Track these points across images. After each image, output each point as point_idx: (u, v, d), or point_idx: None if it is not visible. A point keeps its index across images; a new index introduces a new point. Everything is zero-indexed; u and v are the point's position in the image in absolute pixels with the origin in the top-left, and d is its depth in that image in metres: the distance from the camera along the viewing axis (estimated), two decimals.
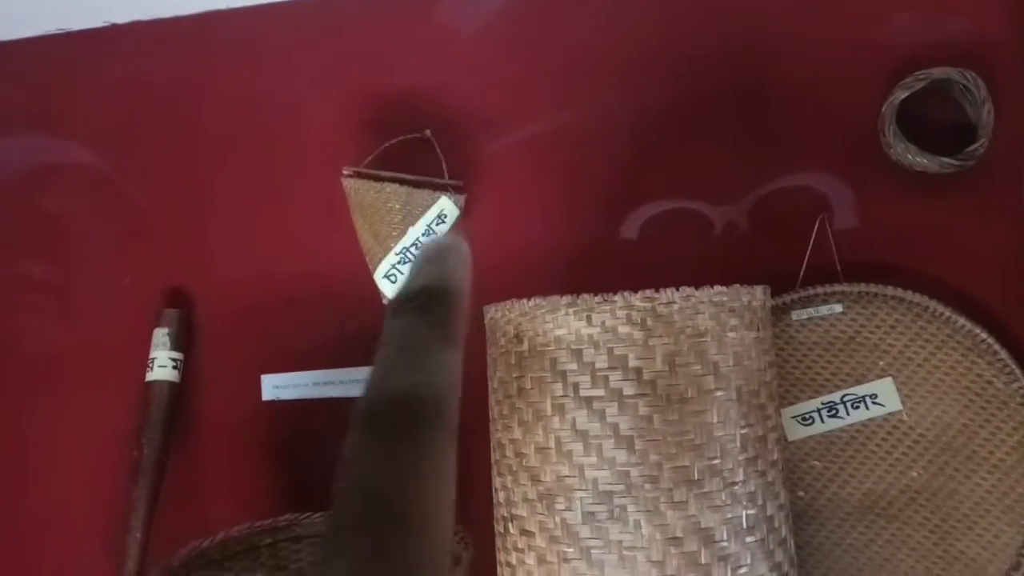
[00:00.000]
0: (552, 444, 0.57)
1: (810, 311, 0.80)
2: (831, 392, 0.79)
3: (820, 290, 0.79)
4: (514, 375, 0.60)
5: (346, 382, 0.89)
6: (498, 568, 0.63)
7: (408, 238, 0.79)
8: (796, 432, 0.78)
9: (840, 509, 0.78)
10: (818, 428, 0.79)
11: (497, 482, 0.63)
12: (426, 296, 0.21)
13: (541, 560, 0.58)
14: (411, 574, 0.16)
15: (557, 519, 0.57)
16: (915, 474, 0.77)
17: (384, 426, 0.18)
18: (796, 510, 0.74)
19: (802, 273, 0.79)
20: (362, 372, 0.89)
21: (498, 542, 0.63)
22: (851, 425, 0.78)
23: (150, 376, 0.87)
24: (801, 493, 0.77)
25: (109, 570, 0.83)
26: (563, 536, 0.57)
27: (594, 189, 0.85)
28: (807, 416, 0.79)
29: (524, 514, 0.59)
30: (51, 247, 0.95)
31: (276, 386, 0.90)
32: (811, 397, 0.79)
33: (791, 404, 0.78)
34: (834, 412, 0.79)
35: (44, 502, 0.95)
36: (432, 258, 0.22)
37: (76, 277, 0.95)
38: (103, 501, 0.89)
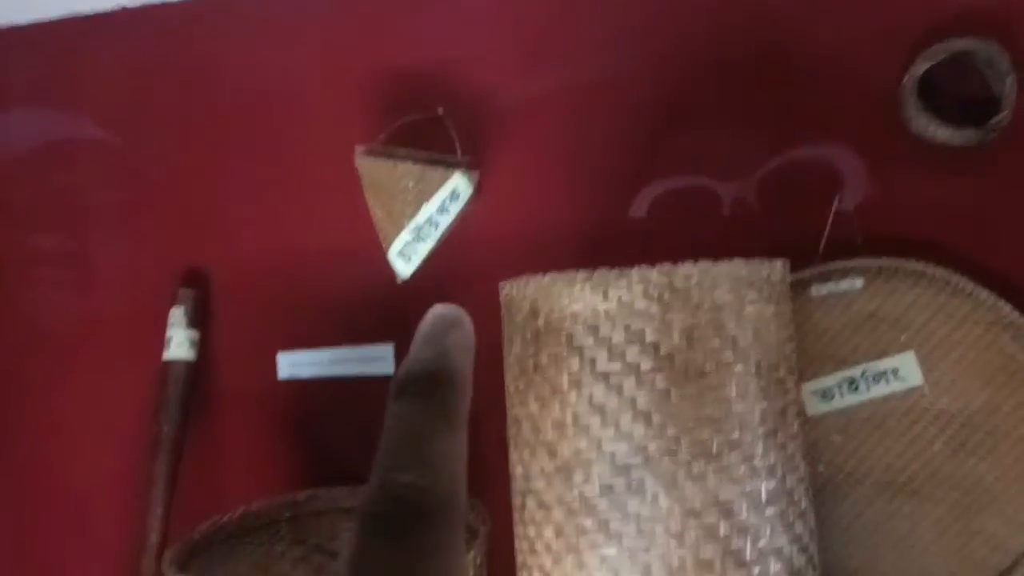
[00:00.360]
0: (569, 419, 0.57)
1: (829, 286, 0.79)
2: (851, 367, 0.78)
3: (839, 265, 0.78)
4: (530, 351, 0.60)
5: (362, 360, 0.89)
6: (516, 541, 0.63)
7: (422, 216, 0.79)
8: (816, 407, 0.78)
9: (860, 484, 0.77)
10: (838, 403, 0.78)
11: (514, 457, 0.63)
12: (426, 380, 0.20)
13: (559, 533, 0.58)
14: None
15: (575, 493, 0.57)
16: (936, 449, 0.76)
17: (388, 527, 0.17)
18: (816, 485, 0.74)
19: (822, 247, 0.79)
20: (378, 350, 0.89)
21: (516, 516, 0.63)
22: (871, 400, 0.78)
23: (167, 355, 0.87)
24: (821, 468, 0.77)
25: (130, 545, 0.84)
26: (581, 509, 0.57)
27: (604, 165, 0.84)
28: (827, 391, 0.78)
29: (541, 488, 0.59)
30: (67, 226, 0.95)
31: (292, 364, 0.91)
32: (831, 372, 0.78)
33: (811, 379, 0.78)
34: (855, 387, 0.78)
35: (64, 478, 0.96)
36: (431, 336, 0.22)
37: (92, 257, 0.95)
38: (123, 478, 0.90)
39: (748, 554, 0.55)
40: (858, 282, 0.79)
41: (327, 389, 0.90)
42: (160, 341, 0.88)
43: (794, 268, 0.76)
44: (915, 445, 0.77)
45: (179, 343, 0.87)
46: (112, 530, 0.90)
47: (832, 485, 0.77)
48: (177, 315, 0.88)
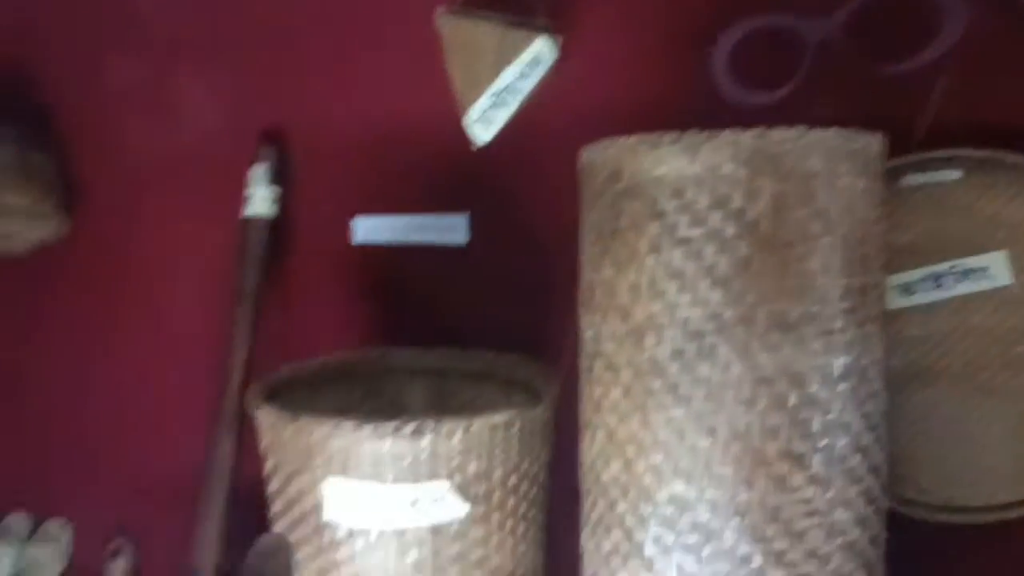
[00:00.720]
0: (645, 283, 0.57)
1: (924, 176, 0.75)
2: (938, 263, 0.76)
3: (939, 154, 0.74)
4: (609, 216, 0.60)
5: (436, 228, 0.90)
6: (582, 402, 0.65)
7: (502, 81, 0.77)
8: (897, 301, 0.76)
9: (936, 380, 0.76)
10: (921, 299, 0.76)
11: (585, 321, 0.64)
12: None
13: (627, 393, 0.59)
14: None
15: (645, 355, 0.57)
16: (1019, 351, 0.74)
17: None
18: (889, 377, 0.73)
19: (921, 132, 0.75)
20: (452, 219, 0.90)
21: (583, 379, 0.65)
22: (955, 297, 0.76)
23: (249, 210, 0.90)
24: (895, 362, 0.76)
25: (213, 389, 0.89)
26: (650, 371, 0.57)
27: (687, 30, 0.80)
28: (910, 286, 0.76)
29: (611, 350, 0.60)
30: (153, 77, 0.96)
31: (368, 229, 0.92)
32: (917, 267, 0.76)
33: (895, 273, 0.76)
34: (940, 283, 0.76)
35: (150, 326, 1.01)
36: (253, 563, 0.25)
37: (174, 113, 0.97)
38: (209, 324, 0.95)
39: (815, 426, 0.55)
40: (955, 174, 0.75)
41: (401, 254, 0.91)
42: (240, 196, 0.90)
43: (893, 154, 0.73)
44: (997, 345, 0.75)
45: (260, 199, 0.89)
46: (196, 374, 0.96)
47: (906, 379, 0.76)
48: (259, 172, 0.90)
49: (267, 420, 0.68)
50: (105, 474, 1.07)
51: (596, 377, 0.62)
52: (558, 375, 0.75)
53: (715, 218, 0.55)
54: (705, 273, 0.55)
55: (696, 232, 0.55)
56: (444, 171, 0.90)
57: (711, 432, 0.56)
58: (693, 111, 0.80)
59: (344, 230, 0.92)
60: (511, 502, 0.67)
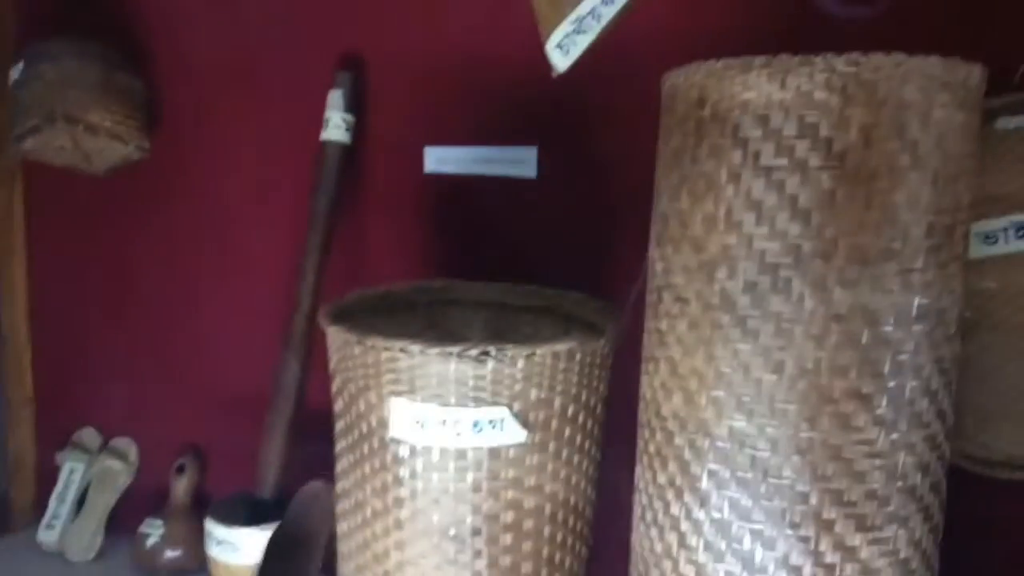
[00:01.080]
0: (722, 213, 0.56)
1: (1019, 119, 0.72)
2: None
3: None
4: (690, 143, 0.58)
5: (505, 161, 0.90)
6: (645, 335, 0.64)
7: (585, 6, 0.76)
8: (977, 250, 0.73)
9: (1010, 334, 0.73)
10: (1001, 248, 0.73)
11: (656, 253, 0.63)
12: (291, 543, 0.24)
13: (693, 326, 0.58)
14: None
15: (716, 288, 0.57)
16: None
17: None
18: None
19: (1020, 75, 0.71)
20: (521, 152, 0.89)
21: (649, 312, 0.64)
22: None
23: (324, 135, 0.91)
24: (968, 313, 0.73)
25: (287, 308, 0.92)
26: (719, 304, 0.56)
27: None
28: (992, 234, 0.73)
29: (681, 283, 0.59)
30: (231, 2, 0.97)
31: (439, 159, 0.93)
32: (1001, 215, 0.73)
33: (977, 220, 0.72)
34: (1023, 233, 0.72)
35: (224, 249, 1.04)
36: (297, 507, 0.26)
37: (255, 37, 0.98)
38: (281, 245, 0.97)
39: (886, 366, 0.54)
40: None
41: (470, 185, 0.91)
42: (319, 121, 0.91)
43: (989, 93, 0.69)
44: None
45: (336, 125, 0.90)
46: (270, 294, 0.99)
47: (978, 332, 0.73)
48: (335, 97, 0.91)
49: (336, 340, 0.69)
50: (172, 393, 1.11)
51: (663, 310, 0.62)
52: (620, 311, 0.75)
53: (801, 147, 0.53)
54: (786, 204, 0.53)
55: (780, 162, 0.53)
56: (515, 103, 0.89)
57: (777, 368, 0.55)
58: (784, 35, 0.78)
59: (417, 159, 0.93)
60: (568, 432, 0.67)
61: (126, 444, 1.15)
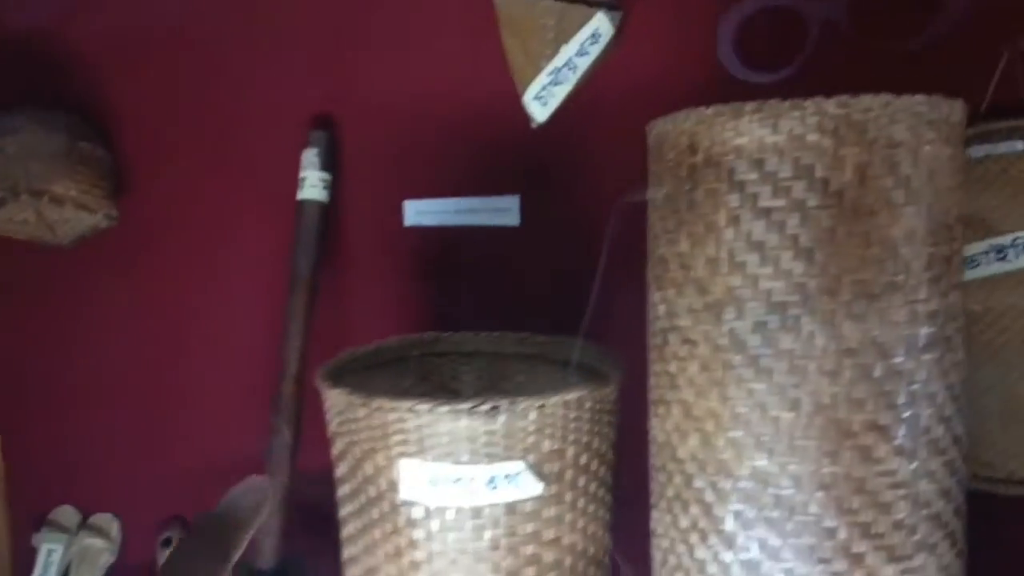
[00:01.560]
0: (724, 255, 0.57)
1: (987, 147, 0.75)
2: (1001, 235, 0.75)
3: (1002, 124, 0.73)
4: (684, 188, 0.59)
5: (487, 210, 0.90)
6: (652, 379, 0.64)
7: (560, 57, 0.77)
8: None
9: (996, 356, 0.76)
10: (983, 271, 0.75)
11: (656, 296, 0.64)
12: (217, 525, 0.28)
13: (704, 368, 0.58)
14: None
15: (725, 329, 0.57)
16: None
17: None
18: None
19: (984, 106, 0.74)
20: (504, 201, 0.90)
21: (654, 355, 0.64)
22: (1019, 270, 0.75)
23: (301, 195, 0.90)
24: None
25: (269, 372, 0.89)
26: (730, 345, 0.57)
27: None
28: (973, 259, 0.75)
29: (687, 325, 0.60)
30: (198, 67, 0.96)
31: (419, 211, 0.92)
32: (979, 239, 0.75)
33: None
34: (1003, 255, 0.75)
35: (201, 315, 1.02)
36: (233, 495, 0.29)
37: (223, 100, 0.97)
38: (261, 310, 0.95)
39: (901, 397, 0.55)
40: (1019, 144, 0.75)
41: (451, 236, 0.91)
42: (293, 182, 0.90)
43: None
44: None
45: (312, 184, 0.89)
46: (254, 361, 0.96)
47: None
48: (309, 156, 0.90)
49: (337, 403, 0.68)
50: (153, 466, 1.07)
51: (671, 353, 0.62)
52: (617, 355, 0.75)
53: (798, 188, 0.54)
54: (788, 244, 0.55)
55: (778, 203, 0.55)
56: (495, 153, 0.89)
57: (794, 405, 0.55)
58: (758, 89, 0.80)
59: (396, 213, 0.92)
60: (582, 481, 0.67)
61: (107, 520, 1.10)
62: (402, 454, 0.63)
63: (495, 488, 0.62)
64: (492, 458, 0.62)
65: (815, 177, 0.54)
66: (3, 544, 1.13)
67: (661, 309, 0.63)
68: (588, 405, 0.65)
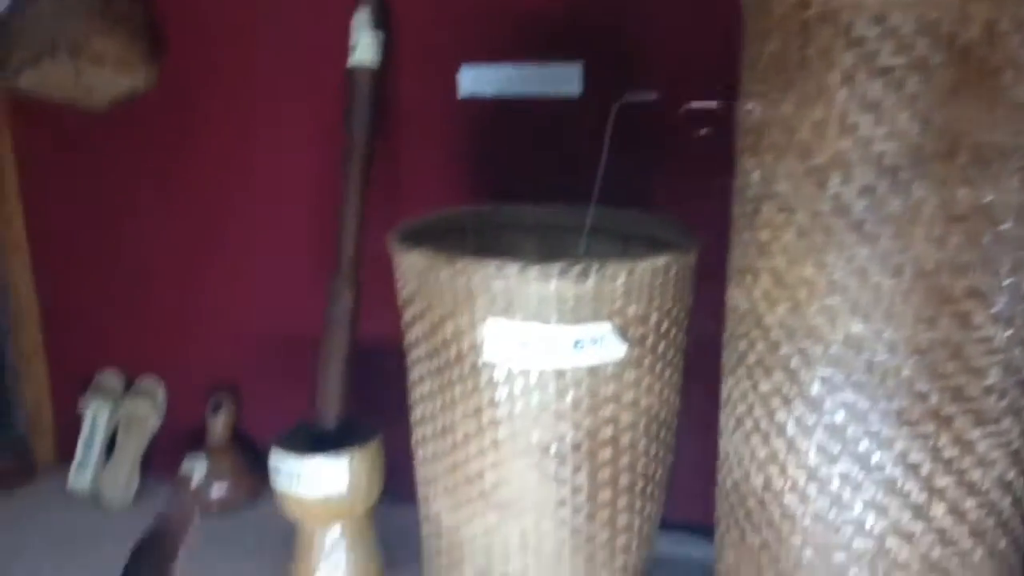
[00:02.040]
0: (835, 117, 0.55)
1: None
2: None
3: None
4: (795, 46, 0.57)
5: (547, 79, 0.87)
6: (737, 248, 0.64)
7: None
8: None
9: None
10: None
11: (749, 163, 0.62)
12: (154, 542, 0.33)
13: (801, 234, 0.58)
14: None
15: (828, 193, 0.56)
16: None
17: None
18: None
19: None
20: (565, 69, 0.86)
21: (740, 223, 0.64)
22: None
23: (354, 58, 0.86)
24: None
25: (318, 240, 0.88)
26: (832, 210, 0.56)
27: None
28: None
29: (786, 190, 0.59)
30: None
31: (475, 79, 0.89)
32: None
33: None
34: None
35: (254, 178, 0.99)
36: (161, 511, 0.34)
37: None
38: (308, 178, 0.93)
39: (1005, 265, 0.54)
40: None
41: (509, 106, 0.88)
42: (342, 46, 0.86)
43: None
44: None
45: (364, 46, 0.85)
46: (299, 221, 0.94)
47: None
48: (362, 16, 0.86)
49: (415, 265, 0.67)
50: (198, 329, 1.07)
51: (763, 220, 0.61)
52: (685, 226, 0.74)
53: (921, 45, 0.52)
54: (906, 104, 0.53)
55: (899, 60, 0.52)
56: (557, 16, 0.85)
57: (897, 271, 0.55)
58: None
59: (450, 81, 0.88)
60: (661, 346, 0.67)
61: (152, 384, 1.11)
62: (489, 314, 0.62)
63: (581, 349, 0.62)
64: (579, 320, 0.62)
65: (940, 33, 0.51)
66: (45, 409, 1.14)
67: (755, 176, 0.62)
68: (673, 272, 0.65)
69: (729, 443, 0.68)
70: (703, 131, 0.74)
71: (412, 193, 0.93)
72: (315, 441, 0.82)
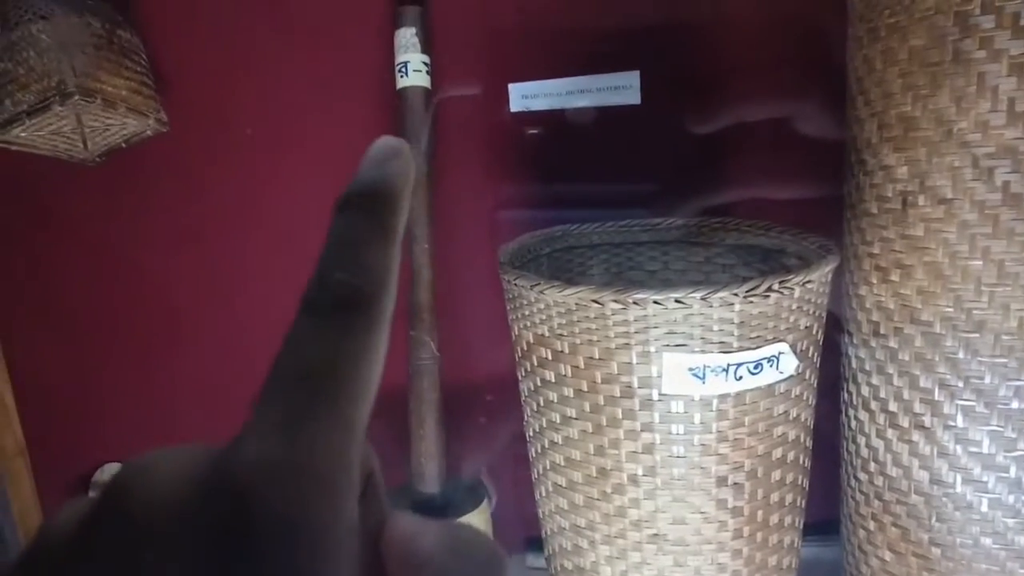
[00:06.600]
0: (1002, 107, 0.55)
1: None
2: None
3: None
4: (949, 38, 0.56)
5: (603, 89, 0.84)
6: (877, 245, 0.63)
7: None
8: None
9: None
10: None
11: (891, 159, 0.62)
12: (368, 197, 0.22)
13: (964, 227, 0.58)
14: (314, 442, 0.18)
15: (998, 183, 0.56)
16: None
17: (318, 311, 0.19)
18: None
19: None
20: (622, 77, 0.83)
21: (882, 221, 0.63)
22: None
23: (404, 82, 0.79)
24: None
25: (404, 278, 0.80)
26: (1004, 201, 0.56)
27: None
28: None
29: (943, 183, 0.58)
30: None
31: (524, 96, 0.84)
32: None
33: None
34: None
35: (275, 232, 0.89)
36: (375, 161, 0.23)
37: None
38: None
39: None
40: None
41: (566, 120, 0.84)
42: (382, 66, 0.79)
43: None
44: None
45: (416, 68, 0.79)
46: None
47: None
48: (407, 37, 0.79)
49: (568, 302, 0.62)
50: (208, 408, 0.96)
51: (916, 215, 0.61)
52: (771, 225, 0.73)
53: None
54: None
55: None
56: (609, 25, 0.82)
57: None
58: None
59: (500, 98, 0.83)
60: (817, 357, 0.66)
61: None
62: (664, 346, 0.58)
63: (760, 372, 0.59)
64: (758, 340, 0.59)
65: None
66: (32, 515, 0.99)
67: (901, 172, 0.61)
68: (828, 279, 0.64)
69: (871, 443, 0.68)
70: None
71: (467, 220, 0.87)
72: (415, 506, 0.75)
